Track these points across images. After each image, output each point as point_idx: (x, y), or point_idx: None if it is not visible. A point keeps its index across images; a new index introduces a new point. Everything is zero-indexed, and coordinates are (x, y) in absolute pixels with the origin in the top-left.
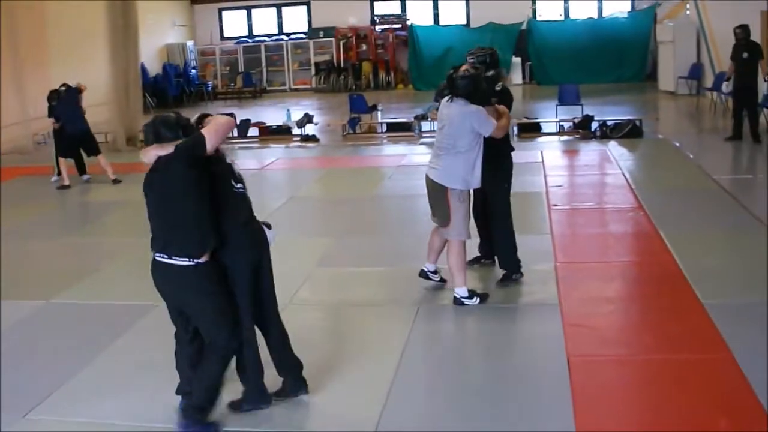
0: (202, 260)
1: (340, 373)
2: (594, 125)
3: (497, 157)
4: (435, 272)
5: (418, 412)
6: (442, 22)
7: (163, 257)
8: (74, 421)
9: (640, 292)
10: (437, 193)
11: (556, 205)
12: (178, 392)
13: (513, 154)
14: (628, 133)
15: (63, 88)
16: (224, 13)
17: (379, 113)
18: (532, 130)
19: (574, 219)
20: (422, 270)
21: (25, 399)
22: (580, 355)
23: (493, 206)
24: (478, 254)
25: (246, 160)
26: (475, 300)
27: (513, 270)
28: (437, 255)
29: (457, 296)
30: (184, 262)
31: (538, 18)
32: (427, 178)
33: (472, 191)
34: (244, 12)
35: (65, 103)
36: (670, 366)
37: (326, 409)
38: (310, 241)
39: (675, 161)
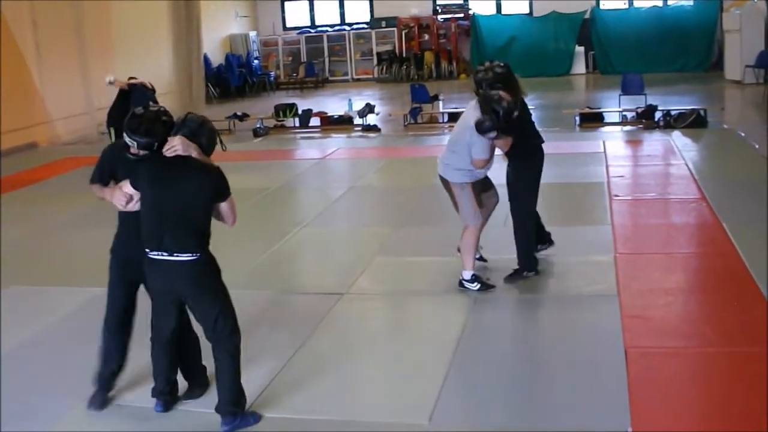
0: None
1: (396, 362)
2: (657, 115)
3: (521, 154)
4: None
5: (473, 402)
6: (504, 12)
7: (176, 255)
8: (130, 405)
9: (701, 284)
10: (444, 185)
11: (617, 196)
12: (154, 394)
13: (567, 144)
14: (692, 123)
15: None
16: (286, 4)
17: (440, 103)
18: (594, 119)
19: (635, 210)
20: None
21: (83, 383)
22: (638, 347)
23: (510, 198)
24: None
25: (308, 150)
26: (476, 285)
27: (525, 267)
28: None
29: (461, 278)
30: (193, 257)
31: (602, 6)
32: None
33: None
34: (306, 2)
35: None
36: (729, 359)
37: (380, 398)
38: (369, 231)
39: (740, 152)
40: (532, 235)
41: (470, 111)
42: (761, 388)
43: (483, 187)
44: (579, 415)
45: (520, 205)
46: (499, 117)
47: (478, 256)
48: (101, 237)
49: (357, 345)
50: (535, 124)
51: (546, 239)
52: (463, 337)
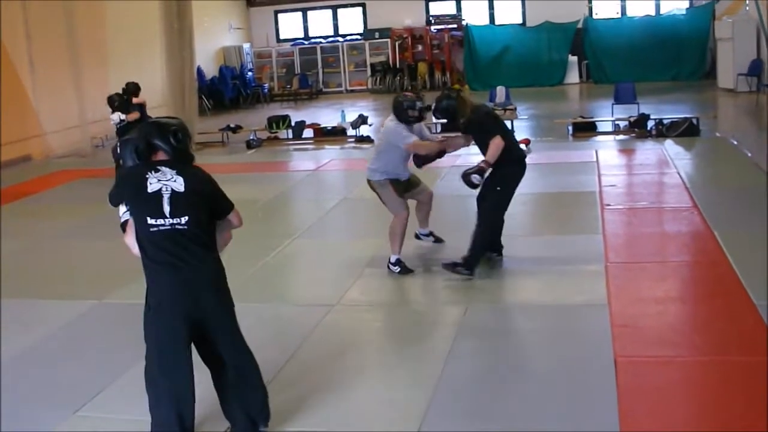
0: None
1: (385, 373)
2: (650, 124)
3: (498, 165)
4: (427, 235)
5: (463, 411)
6: (497, 22)
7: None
8: (123, 418)
9: (692, 292)
10: (372, 188)
11: (609, 205)
12: None
13: (560, 153)
14: (684, 131)
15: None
16: (280, 15)
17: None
18: (587, 129)
19: (627, 219)
20: (416, 233)
21: (76, 396)
22: (628, 356)
23: (485, 201)
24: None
25: (300, 161)
26: (397, 268)
27: (467, 265)
28: (424, 220)
29: (388, 262)
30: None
31: (595, 16)
32: None
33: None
34: (299, 14)
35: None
36: (719, 368)
37: (370, 408)
38: (361, 242)
39: (732, 160)
40: (488, 241)
41: (389, 119)
42: (752, 397)
43: (410, 186)
44: (569, 424)
45: (491, 209)
46: (407, 106)
47: (433, 239)
48: (95, 250)
49: (347, 356)
50: (516, 137)
51: (498, 249)
52: (453, 346)
